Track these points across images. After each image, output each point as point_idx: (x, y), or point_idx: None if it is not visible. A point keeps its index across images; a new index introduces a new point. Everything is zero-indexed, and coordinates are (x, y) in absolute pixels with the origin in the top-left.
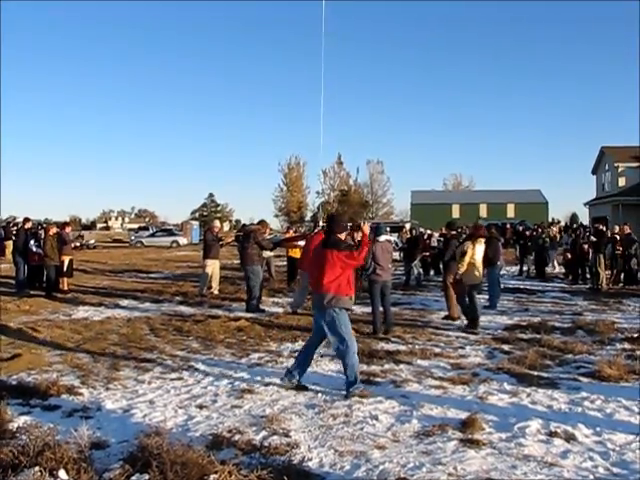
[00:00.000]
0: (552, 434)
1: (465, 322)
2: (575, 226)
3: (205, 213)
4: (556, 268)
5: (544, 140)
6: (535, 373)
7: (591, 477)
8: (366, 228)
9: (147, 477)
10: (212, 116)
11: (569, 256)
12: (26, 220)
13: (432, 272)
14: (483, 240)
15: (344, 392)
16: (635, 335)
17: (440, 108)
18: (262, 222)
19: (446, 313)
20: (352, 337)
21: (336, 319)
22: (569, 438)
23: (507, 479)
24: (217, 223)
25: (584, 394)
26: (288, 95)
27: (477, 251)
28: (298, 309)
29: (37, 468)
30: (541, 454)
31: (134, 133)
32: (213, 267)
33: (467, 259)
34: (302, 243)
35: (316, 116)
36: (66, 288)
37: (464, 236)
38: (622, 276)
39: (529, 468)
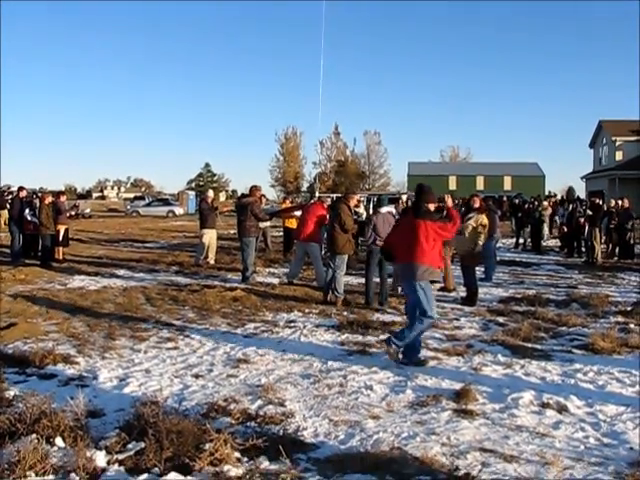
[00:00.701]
0: (545, 405)
1: (462, 295)
2: (563, 198)
3: (201, 183)
4: (544, 237)
5: (542, 113)
6: (529, 345)
7: (582, 447)
8: (450, 201)
9: (143, 445)
10: (209, 85)
11: (565, 229)
12: (21, 189)
13: None
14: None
15: (340, 362)
16: (629, 308)
17: (438, 79)
18: (254, 188)
19: (442, 285)
20: (434, 310)
21: (427, 291)
22: (561, 409)
23: (500, 449)
24: (211, 193)
25: (577, 366)
26: (285, 65)
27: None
28: (294, 279)
29: (34, 436)
30: (533, 425)
31: (131, 102)
32: (210, 237)
33: (485, 230)
34: (298, 213)
35: (313, 87)
36: (62, 257)
37: (463, 209)
38: (617, 250)
39: (521, 438)
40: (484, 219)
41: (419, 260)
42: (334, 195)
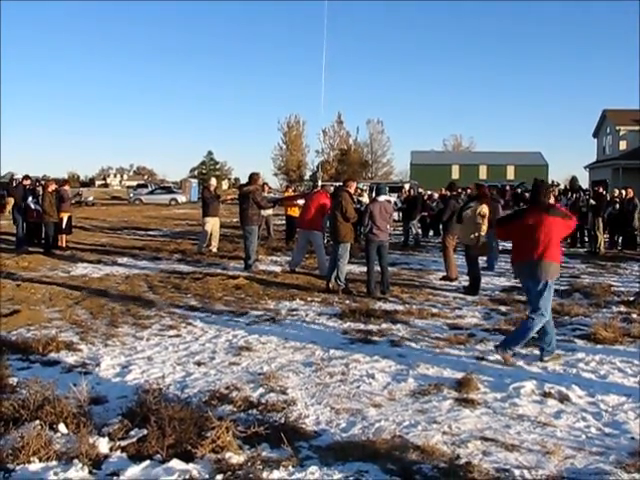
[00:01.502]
0: (546, 395)
1: (464, 284)
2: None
3: (204, 171)
4: None
5: (545, 102)
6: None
7: (583, 437)
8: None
9: (145, 432)
10: (212, 73)
11: None
12: (25, 177)
13: (431, 233)
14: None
15: (342, 351)
16: (631, 298)
17: (441, 68)
18: (254, 175)
19: (444, 274)
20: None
21: (551, 289)
22: (563, 399)
23: (501, 438)
24: (213, 181)
25: (579, 356)
26: (289, 53)
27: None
28: (296, 268)
29: (37, 422)
30: (535, 414)
31: (133, 90)
32: (213, 225)
33: (485, 220)
34: (301, 202)
35: (317, 75)
36: (65, 245)
37: (464, 197)
38: (620, 240)
39: (522, 427)
40: (483, 209)
41: (553, 258)
42: (337, 183)
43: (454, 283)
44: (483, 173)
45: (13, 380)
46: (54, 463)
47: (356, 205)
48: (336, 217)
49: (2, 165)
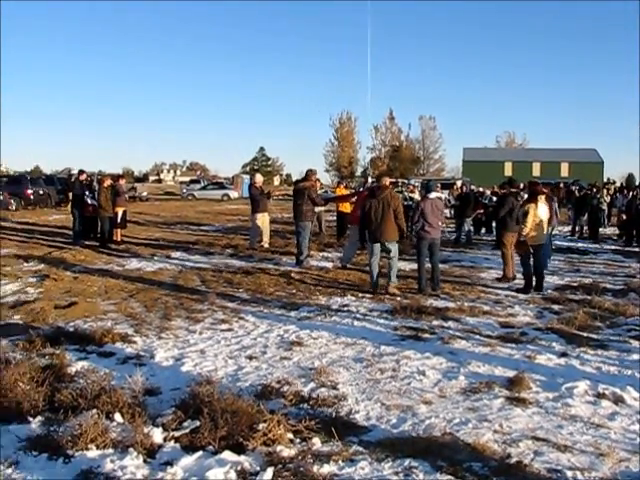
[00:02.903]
0: (600, 395)
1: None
2: (623, 185)
3: (256, 167)
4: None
5: (601, 98)
6: (585, 334)
7: (638, 440)
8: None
9: (198, 423)
10: (265, 69)
11: (624, 217)
12: (81, 172)
13: (483, 230)
14: (544, 197)
15: (393, 347)
16: None
17: (495, 64)
18: (310, 172)
19: (499, 272)
20: None
21: None
22: (617, 400)
23: (553, 438)
24: (259, 177)
25: (634, 357)
26: (342, 49)
27: (540, 210)
28: (347, 264)
29: (94, 411)
30: (588, 415)
31: (186, 86)
32: (262, 220)
33: (530, 219)
34: (354, 199)
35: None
36: (119, 239)
37: (522, 194)
38: None
39: (575, 428)
40: (526, 207)
41: None
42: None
43: (510, 283)
44: (536, 170)
45: (71, 370)
46: (110, 451)
47: (407, 202)
48: (388, 217)
49: (60, 161)
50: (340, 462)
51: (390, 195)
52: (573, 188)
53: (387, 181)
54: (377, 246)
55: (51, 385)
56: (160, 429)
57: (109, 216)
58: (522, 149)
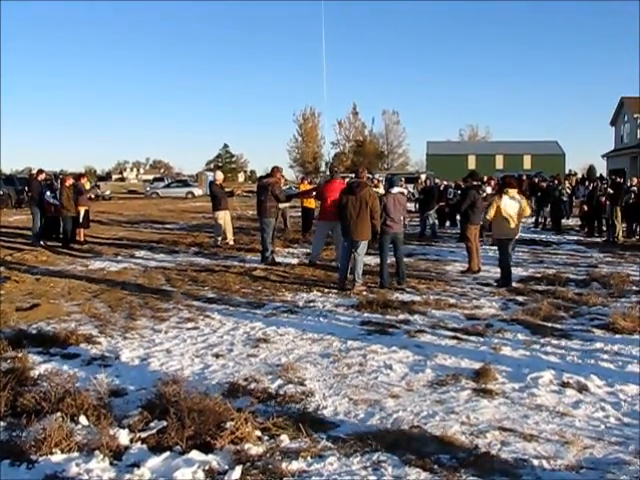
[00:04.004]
0: (565, 384)
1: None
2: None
3: (220, 164)
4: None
5: (562, 91)
6: (549, 324)
7: (602, 427)
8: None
9: (165, 424)
10: (227, 66)
11: (585, 208)
12: (40, 172)
13: (447, 223)
14: (515, 191)
15: (359, 342)
16: None
17: (456, 58)
18: (275, 169)
19: (464, 265)
20: None
21: None
22: (581, 389)
23: (519, 428)
24: (219, 175)
25: (597, 345)
26: (303, 46)
27: (505, 203)
28: (316, 261)
29: (59, 414)
30: (553, 404)
31: (149, 83)
32: (224, 217)
33: (491, 211)
34: (314, 194)
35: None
36: (82, 239)
37: (484, 187)
38: (638, 229)
39: (541, 417)
40: (493, 200)
41: None
42: (352, 175)
43: (474, 275)
44: (499, 163)
45: (34, 373)
46: (76, 454)
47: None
48: (361, 214)
49: (19, 161)
50: (309, 458)
51: (368, 194)
52: (536, 180)
53: (365, 175)
54: (349, 243)
55: (13, 389)
56: (126, 430)
57: (71, 216)
58: (485, 142)
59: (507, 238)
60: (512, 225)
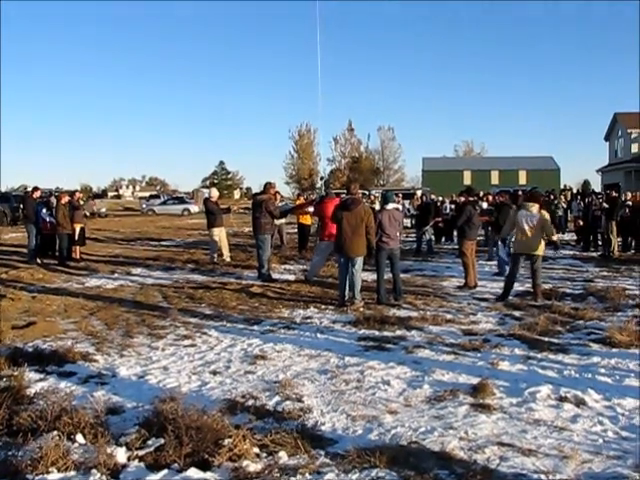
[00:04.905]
0: (562, 399)
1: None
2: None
3: (216, 181)
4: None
5: (557, 106)
6: (546, 339)
7: (600, 441)
8: None
9: (162, 441)
10: (223, 83)
11: (581, 223)
12: (35, 189)
13: (443, 239)
14: (532, 205)
15: (357, 358)
16: None
17: (452, 74)
18: (269, 184)
19: (460, 281)
20: None
21: None
22: (579, 403)
23: (517, 443)
24: (214, 192)
25: (594, 360)
26: (299, 62)
27: (520, 218)
28: (313, 278)
29: (55, 432)
30: (551, 418)
31: (144, 101)
32: (220, 235)
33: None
34: (311, 209)
35: (328, 83)
36: (79, 257)
37: (481, 203)
38: (633, 243)
39: (539, 432)
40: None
41: None
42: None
43: (472, 290)
44: (495, 178)
45: (30, 391)
46: (72, 473)
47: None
48: (358, 232)
49: (15, 178)
50: (307, 475)
51: (363, 210)
52: None
53: (358, 191)
54: (344, 259)
55: (9, 408)
56: (124, 448)
57: (67, 233)
58: (480, 158)
59: (519, 253)
60: (525, 239)
